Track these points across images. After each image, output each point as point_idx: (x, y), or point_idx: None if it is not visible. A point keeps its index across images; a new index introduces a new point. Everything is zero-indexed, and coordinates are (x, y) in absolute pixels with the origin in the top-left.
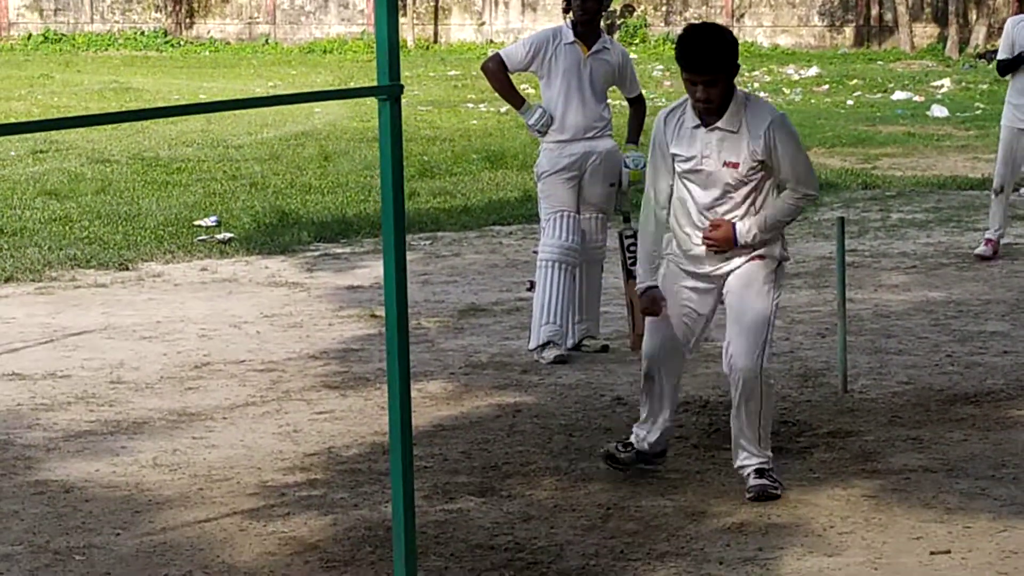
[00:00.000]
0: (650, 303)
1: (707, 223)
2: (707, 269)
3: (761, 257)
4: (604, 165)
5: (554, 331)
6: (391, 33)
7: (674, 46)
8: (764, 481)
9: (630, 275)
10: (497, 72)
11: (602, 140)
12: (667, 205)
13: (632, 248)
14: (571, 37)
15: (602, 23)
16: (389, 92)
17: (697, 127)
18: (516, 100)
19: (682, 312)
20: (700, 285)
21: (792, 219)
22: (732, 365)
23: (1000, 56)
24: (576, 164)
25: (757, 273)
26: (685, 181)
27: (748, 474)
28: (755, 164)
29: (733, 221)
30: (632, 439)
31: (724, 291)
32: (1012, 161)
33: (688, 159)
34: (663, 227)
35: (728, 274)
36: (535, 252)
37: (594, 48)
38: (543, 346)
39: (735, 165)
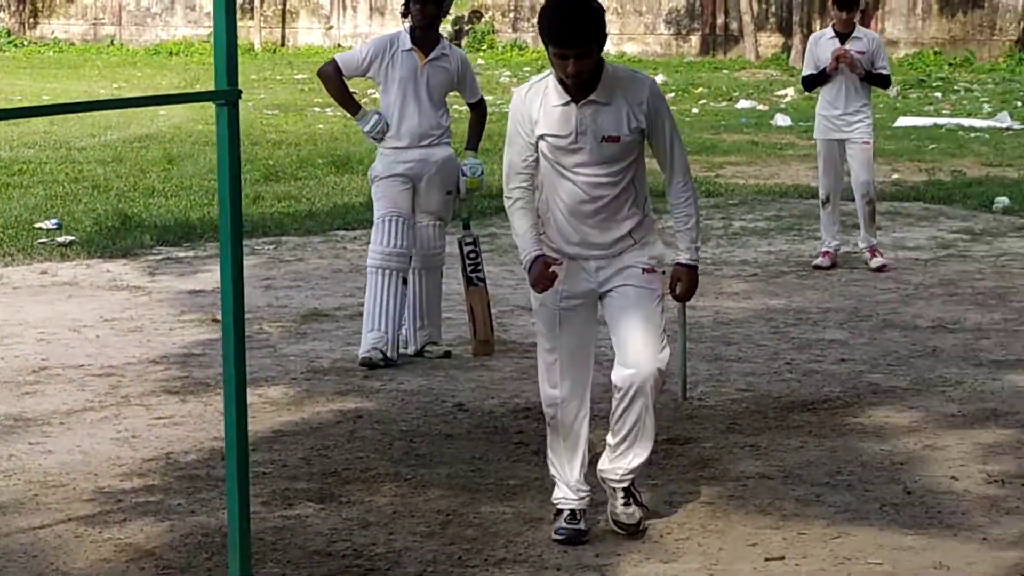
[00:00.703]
0: (541, 274)
1: (589, 208)
2: (592, 265)
3: (648, 269)
4: (440, 173)
5: (378, 338)
6: (229, 38)
7: (537, 23)
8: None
9: (470, 282)
10: (333, 77)
11: (439, 148)
12: (530, 186)
13: (472, 255)
14: (408, 44)
15: (449, 29)
16: (227, 97)
17: (567, 104)
18: (351, 107)
19: (575, 324)
20: (581, 287)
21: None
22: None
23: (805, 72)
24: (411, 171)
25: (642, 275)
26: (559, 166)
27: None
28: (635, 135)
29: (687, 263)
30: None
31: (607, 291)
32: (834, 171)
33: (563, 137)
34: (531, 202)
35: (612, 275)
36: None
37: (432, 55)
38: (365, 354)
39: (615, 139)
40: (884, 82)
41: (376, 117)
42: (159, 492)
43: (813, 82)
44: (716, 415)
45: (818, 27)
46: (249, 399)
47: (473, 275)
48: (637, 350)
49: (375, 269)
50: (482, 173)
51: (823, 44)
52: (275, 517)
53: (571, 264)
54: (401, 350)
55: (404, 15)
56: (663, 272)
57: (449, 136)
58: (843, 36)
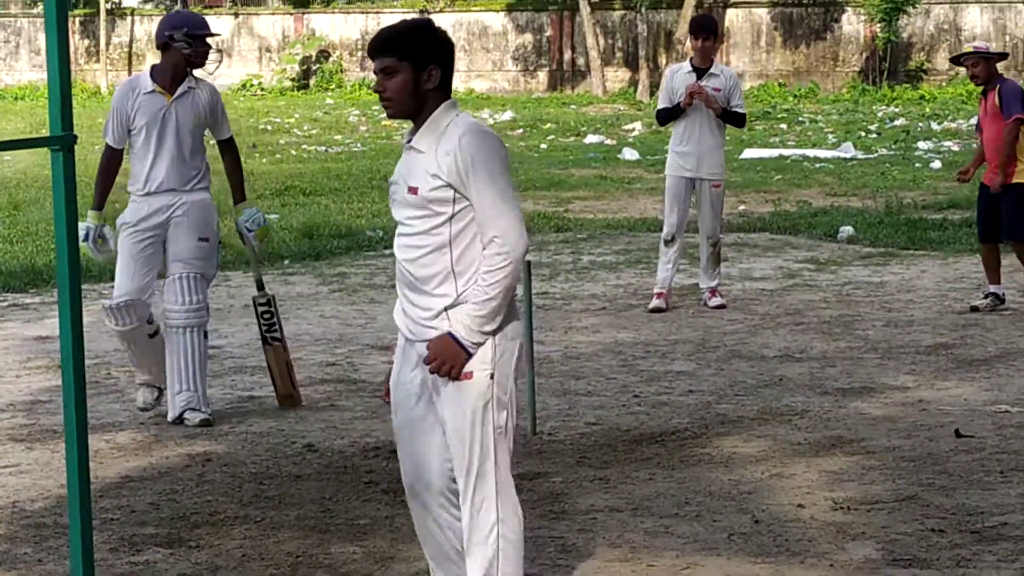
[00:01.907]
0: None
1: (401, 269)
2: (415, 350)
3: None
4: (190, 218)
5: (189, 397)
6: (63, 83)
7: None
8: None
9: (266, 341)
10: (101, 164)
11: (192, 193)
12: None
13: (266, 315)
14: (150, 86)
15: (297, 68)
16: (62, 142)
17: (407, 144)
18: (96, 200)
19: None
20: (407, 378)
21: (504, 288)
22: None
23: (660, 105)
24: (156, 217)
25: (468, 389)
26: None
27: None
28: (439, 190)
29: (455, 336)
30: None
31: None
32: (680, 209)
33: (391, 184)
34: None
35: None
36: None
37: (178, 92)
38: (181, 415)
39: (414, 191)
40: (740, 121)
41: (87, 228)
42: (5, 541)
43: (667, 116)
44: (566, 449)
45: (664, 62)
46: (96, 445)
47: (268, 335)
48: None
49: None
50: (265, 221)
51: (679, 77)
52: (122, 564)
53: (406, 345)
54: (142, 407)
55: (163, 48)
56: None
57: (207, 181)
58: (700, 71)
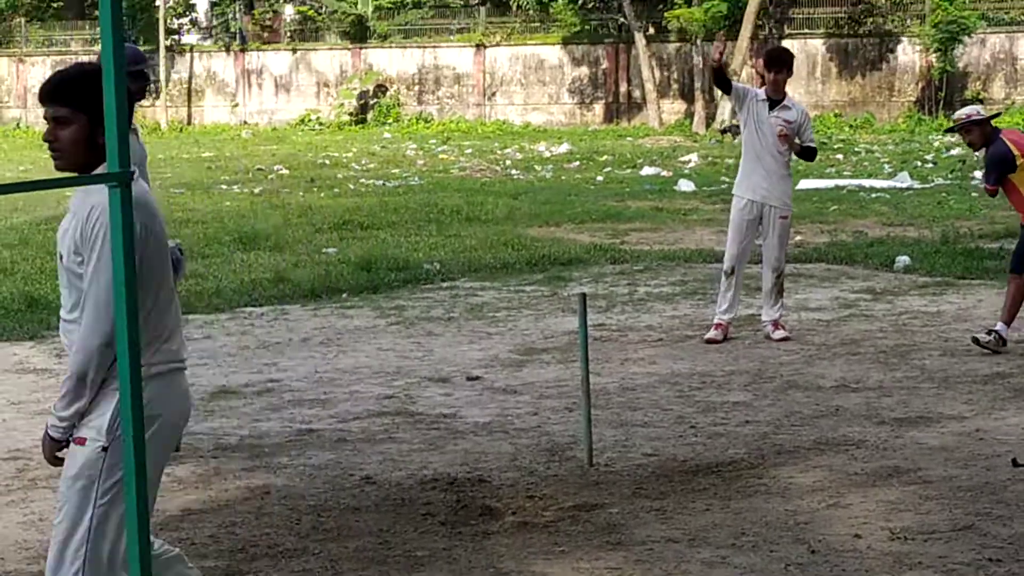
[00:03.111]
0: None
1: None
2: None
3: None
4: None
5: None
6: (120, 121)
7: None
8: None
9: None
10: None
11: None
12: None
13: None
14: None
15: (355, 103)
16: (119, 179)
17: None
18: None
19: None
20: None
21: (73, 373)
22: None
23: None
24: None
25: (74, 458)
26: None
27: None
28: (72, 262)
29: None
30: None
31: None
32: (743, 236)
33: None
34: None
35: None
36: None
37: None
38: None
39: (61, 256)
40: (811, 155)
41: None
42: None
43: (723, 81)
44: (622, 480)
45: (719, 95)
46: None
47: None
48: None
49: None
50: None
51: (756, 102)
52: None
53: None
54: None
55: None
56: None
57: None
58: (774, 102)
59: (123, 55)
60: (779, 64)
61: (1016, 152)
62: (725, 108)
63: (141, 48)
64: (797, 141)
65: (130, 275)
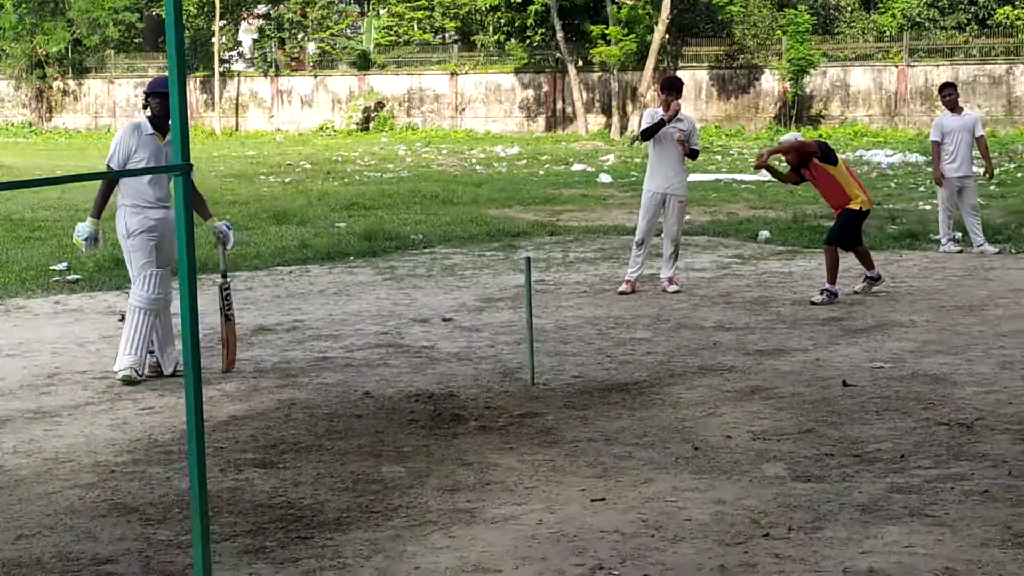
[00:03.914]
0: None
1: None
2: None
3: None
4: (174, 228)
5: (134, 361)
6: (183, 125)
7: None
8: None
9: (227, 319)
10: (103, 185)
11: (171, 209)
12: None
13: (227, 297)
14: (150, 129)
15: (360, 116)
16: (182, 168)
17: None
18: (96, 211)
19: None
20: None
21: None
22: None
23: (645, 126)
24: (157, 228)
25: None
26: None
27: None
28: None
29: None
30: None
31: None
32: (651, 217)
33: None
34: None
35: None
36: (120, 319)
37: (168, 138)
38: (122, 370)
39: None
40: (694, 155)
41: (90, 232)
42: (143, 464)
43: (649, 133)
44: (556, 395)
45: (631, 110)
46: (209, 393)
47: (228, 313)
48: None
49: (139, 309)
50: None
51: (656, 115)
52: (229, 480)
53: None
54: (151, 374)
55: (144, 107)
56: None
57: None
58: (671, 117)
59: (184, 78)
60: (671, 89)
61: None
62: (634, 120)
63: (198, 73)
64: (687, 144)
65: (190, 234)
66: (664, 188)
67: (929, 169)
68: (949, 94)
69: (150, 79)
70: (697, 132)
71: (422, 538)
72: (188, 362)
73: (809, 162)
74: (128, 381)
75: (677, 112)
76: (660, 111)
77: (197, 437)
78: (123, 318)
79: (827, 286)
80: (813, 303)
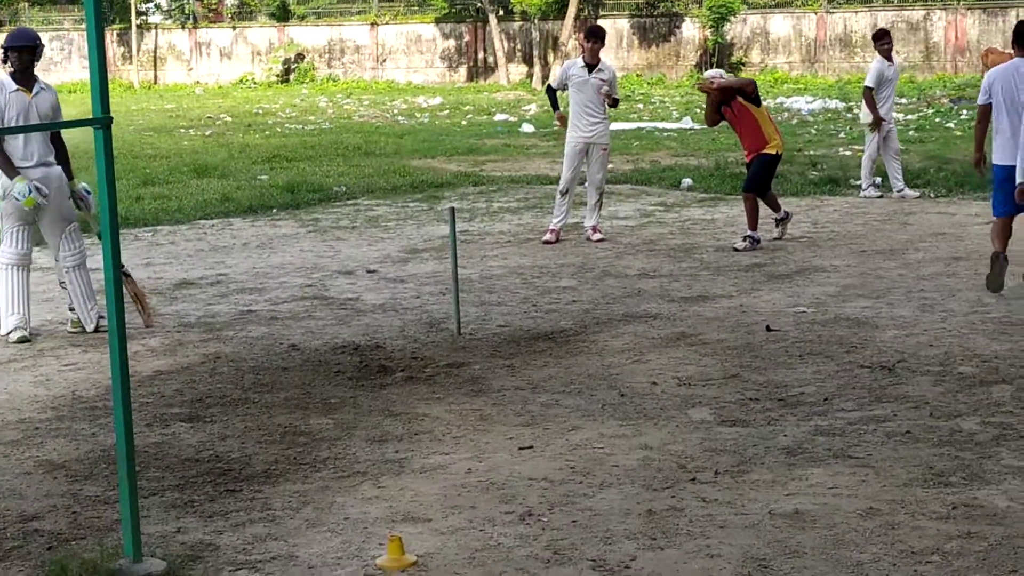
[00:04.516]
0: None
1: None
2: None
3: None
4: (60, 185)
5: (19, 319)
6: (102, 76)
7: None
8: None
9: (125, 276)
10: None
11: (55, 166)
12: None
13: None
14: (14, 86)
15: (280, 68)
16: (102, 122)
17: None
18: (11, 172)
19: None
20: None
21: None
22: None
23: (553, 84)
24: (39, 185)
25: None
26: None
27: None
28: None
29: None
30: None
31: None
32: (574, 165)
33: None
34: None
35: None
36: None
37: (34, 91)
38: (11, 331)
39: None
40: (615, 104)
41: (27, 186)
42: (68, 420)
43: (552, 93)
44: (483, 345)
45: (552, 60)
46: (134, 348)
47: (126, 271)
48: None
49: (11, 266)
50: (31, 192)
51: (575, 70)
52: (156, 435)
53: None
54: (69, 330)
55: (3, 61)
56: None
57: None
58: (590, 66)
59: (103, 31)
60: (595, 37)
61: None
62: (555, 69)
63: (115, 26)
64: (608, 92)
65: (112, 190)
66: (587, 137)
67: (849, 115)
68: (886, 42)
69: (75, 33)
70: (617, 82)
71: (351, 489)
72: (112, 316)
73: (733, 100)
74: (22, 340)
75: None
76: (578, 63)
77: (123, 392)
78: None
79: (749, 232)
80: (736, 249)
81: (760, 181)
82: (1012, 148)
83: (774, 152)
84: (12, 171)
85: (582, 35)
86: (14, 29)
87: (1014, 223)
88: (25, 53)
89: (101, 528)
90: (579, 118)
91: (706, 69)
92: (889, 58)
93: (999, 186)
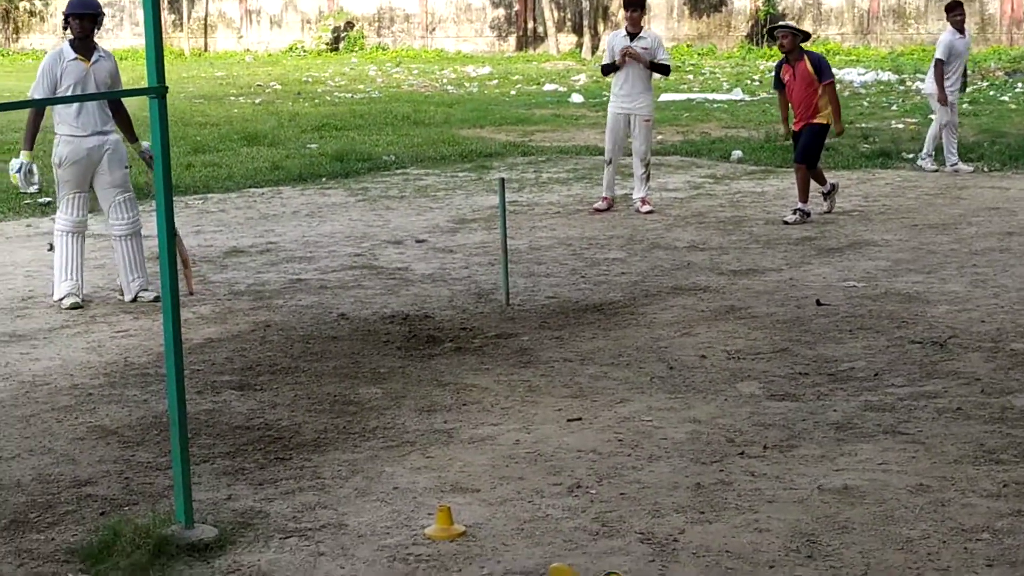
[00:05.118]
0: None
1: None
2: None
3: None
4: (115, 154)
5: (72, 285)
6: (157, 46)
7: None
8: None
9: (177, 237)
10: (31, 115)
11: (111, 134)
12: None
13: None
14: (72, 54)
15: (329, 36)
16: (157, 91)
17: None
18: (27, 143)
19: None
20: None
21: None
22: None
23: (604, 62)
24: (92, 155)
25: None
26: None
27: None
28: None
29: None
30: None
31: None
32: (616, 138)
33: None
34: None
35: None
36: (49, 249)
37: (93, 59)
38: (63, 297)
39: None
40: (666, 70)
41: (21, 163)
42: (120, 387)
43: (608, 69)
44: (531, 316)
45: (602, 30)
46: (185, 316)
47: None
48: None
49: (66, 233)
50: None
51: (617, 41)
52: (207, 402)
53: None
54: (119, 297)
55: (65, 28)
56: None
57: (114, 124)
58: (632, 35)
59: (159, 1)
60: (634, 5)
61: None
62: (604, 41)
63: None
64: (653, 59)
65: (166, 157)
66: (627, 108)
67: (902, 88)
68: (959, 14)
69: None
70: (664, 47)
71: (400, 459)
72: (165, 284)
73: (800, 60)
74: (74, 306)
75: (633, 53)
76: (621, 33)
77: (176, 358)
78: (51, 247)
79: (800, 205)
80: (786, 222)
81: (812, 151)
82: None
83: (824, 122)
84: (30, 142)
85: (623, 3)
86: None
87: None
88: (87, 20)
89: (153, 494)
90: (620, 89)
91: (758, 41)
92: (961, 30)
93: None
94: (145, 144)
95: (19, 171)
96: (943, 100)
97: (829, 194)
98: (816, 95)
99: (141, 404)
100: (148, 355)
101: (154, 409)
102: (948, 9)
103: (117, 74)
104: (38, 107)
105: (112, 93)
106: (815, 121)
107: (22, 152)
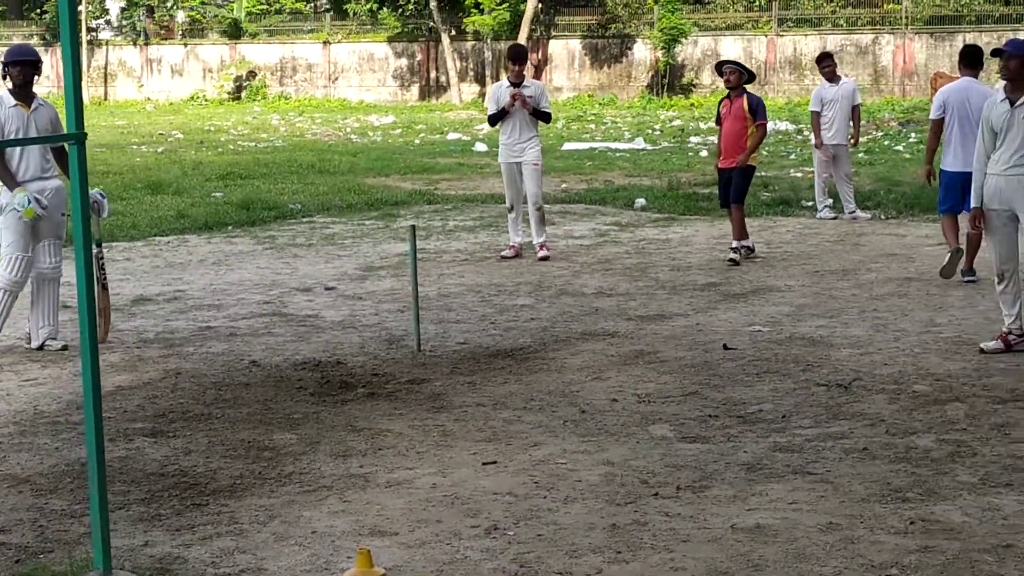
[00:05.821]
0: None
1: None
2: None
3: None
4: (55, 198)
5: (50, 331)
6: (76, 92)
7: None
8: None
9: (103, 287)
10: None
11: (52, 179)
12: None
13: (103, 266)
14: (13, 101)
15: (231, 85)
16: (77, 138)
17: None
18: (11, 184)
19: None
20: None
21: None
22: None
23: (491, 112)
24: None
25: None
26: None
27: None
28: None
29: None
30: None
31: None
32: (514, 186)
33: None
34: None
35: None
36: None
37: (32, 107)
38: (43, 343)
39: None
40: (546, 118)
41: (25, 197)
42: (30, 435)
43: (495, 119)
44: (443, 362)
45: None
46: None
47: (104, 281)
48: None
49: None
50: (29, 202)
51: (502, 91)
52: (120, 449)
53: None
54: (25, 345)
55: (3, 77)
56: None
57: (57, 169)
58: (516, 85)
59: (78, 50)
60: (517, 59)
61: None
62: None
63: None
64: (536, 107)
65: (85, 205)
66: (516, 157)
67: (800, 137)
68: (828, 65)
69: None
70: (547, 96)
71: (317, 503)
72: (84, 331)
73: (742, 94)
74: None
75: (521, 99)
76: (504, 83)
77: (95, 406)
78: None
79: (738, 243)
80: (735, 262)
81: (744, 192)
82: (960, 157)
83: (754, 164)
84: (13, 183)
85: (506, 57)
86: (13, 45)
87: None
88: (27, 67)
89: (69, 542)
90: (507, 139)
91: (658, 91)
92: (832, 79)
93: (945, 187)
94: (94, 190)
95: (28, 203)
96: (818, 145)
97: (746, 250)
98: (745, 133)
99: (53, 452)
100: (58, 403)
101: (66, 457)
102: (818, 61)
103: (58, 121)
104: None
105: (31, 140)
106: (750, 163)
107: (15, 191)
